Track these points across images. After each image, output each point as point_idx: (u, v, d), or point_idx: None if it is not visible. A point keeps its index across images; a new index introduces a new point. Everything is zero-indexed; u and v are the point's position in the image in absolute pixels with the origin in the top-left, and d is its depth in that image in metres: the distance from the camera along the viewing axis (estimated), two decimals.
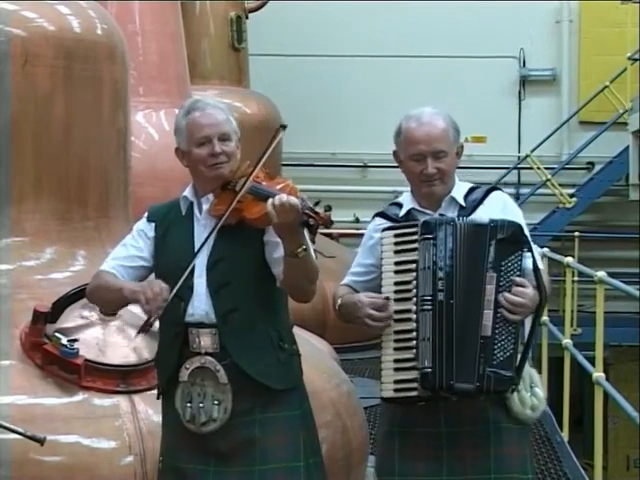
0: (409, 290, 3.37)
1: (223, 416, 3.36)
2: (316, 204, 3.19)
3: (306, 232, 3.24)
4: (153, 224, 3.54)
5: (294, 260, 3.22)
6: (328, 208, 3.17)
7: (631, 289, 6.03)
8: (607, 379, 6.49)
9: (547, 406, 8.52)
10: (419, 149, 3.45)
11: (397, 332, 3.38)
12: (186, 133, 3.47)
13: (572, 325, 9.59)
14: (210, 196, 3.44)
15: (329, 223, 3.17)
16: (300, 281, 3.32)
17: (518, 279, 3.29)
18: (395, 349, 3.39)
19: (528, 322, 3.44)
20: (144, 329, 3.33)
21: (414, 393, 3.35)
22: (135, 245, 3.54)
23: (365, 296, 3.43)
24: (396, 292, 3.40)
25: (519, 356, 3.35)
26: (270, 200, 3.16)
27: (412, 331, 3.35)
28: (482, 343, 3.27)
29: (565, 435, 7.75)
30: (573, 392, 8.20)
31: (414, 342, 3.34)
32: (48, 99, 4.89)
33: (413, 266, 3.36)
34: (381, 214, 3.61)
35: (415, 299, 3.35)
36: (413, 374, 3.33)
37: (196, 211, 3.49)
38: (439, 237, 3.32)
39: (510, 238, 3.31)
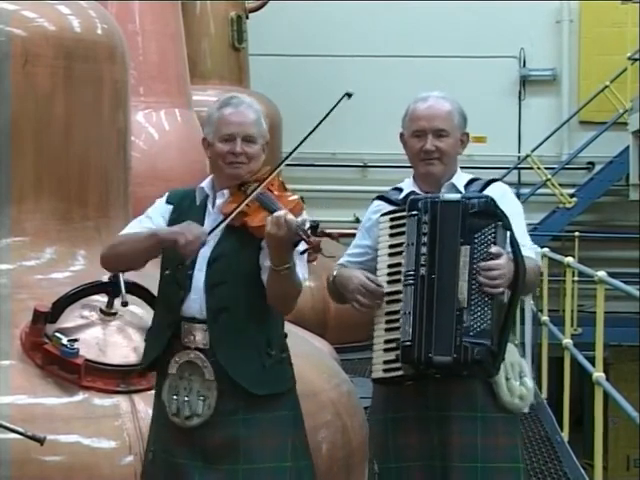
0: (399, 272, 3.43)
1: (206, 412, 3.38)
2: (315, 227, 3.21)
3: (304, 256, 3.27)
4: (171, 206, 3.56)
5: (276, 275, 3.25)
6: (322, 233, 3.20)
7: (631, 289, 6.02)
8: (607, 379, 6.48)
9: (547, 406, 8.56)
10: (420, 125, 3.55)
11: (388, 313, 3.44)
12: (214, 126, 3.49)
13: (572, 325, 9.58)
14: (226, 192, 3.48)
15: (318, 249, 3.19)
16: (279, 295, 3.34)
17: (494, 248, 3.32)
18: (386, 330, 3.44)
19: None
20: (177, 267, 3.37)
21: (400, 372, 3.39)
22: (151, 217, 3.55)
23: (362, 274, 3.48)
24: (389, 274, 3.46)
25: (499, 328, 3.36)
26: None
27: (400, 311, 3.40)
28: (458, 315, 3.31)
29: (565, 435, 7.75)
30: (573, 392, 8.20)
31: (401, 321, 3.38)
32: (48, 99, 4.89)
33: (404, 247, 3.42)
34: (381, 197, 3.67)
35: (403, 277, 3.40)
36: (397, 352, 3.38)
37: (209, 204, 3.52)
38: (423, 213, 3.38)
39: (482, 211, 3.36)
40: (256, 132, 3.48)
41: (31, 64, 4.81)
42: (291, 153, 3.42)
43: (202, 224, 3.47)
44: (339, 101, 3.37)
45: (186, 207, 3.54)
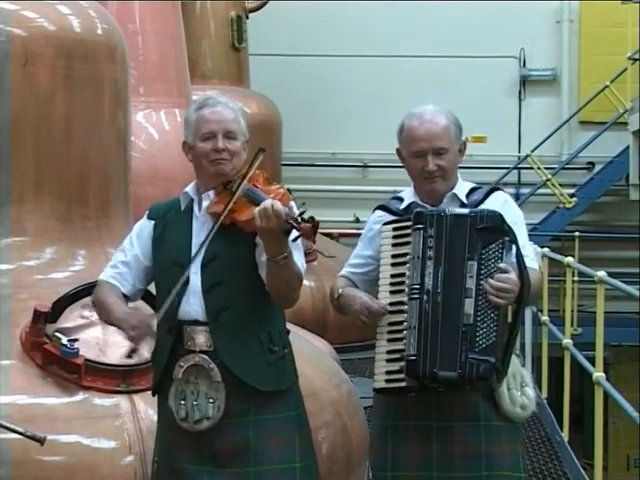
0: (403, 282, 3.42)
1: (216, 415, 3.38)
2: (301, 213, 3.23)
3: (300, 239, 3.28)
4: (153, 222, 3.58)
5: (274, 266, 3.26)
6: (311, 218, 3.21)
7: (631, 289, 6.02)
8: (607, 379, 6.49)
9: (547, 406, 8.56)
10: (420, 146, 3.50)
11: (391, 324, 3.44)
12: (194, 127, 3.50)
13: (572, 325, 9.59)
14: (211, 193, 3.47)
15: (310, 235, 3.21)
16: (280, 287, 3.35)
17: (502, 265, 3.31)
18: (388, 340, 3.43)
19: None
20: (129, 356, 3.43)
21: (403, 384, 3.39)
22: (131, 250, 3.59)
23: (365, 295, 3.47)
24: (392, 284, 3.45)
25: (503, 344, 3.37)
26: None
27: (404, 322, 3.40)
28: (464, 331, 3.31)
29: (565, 435, 7.75)
30: (573, 392, 8.20)
31: (405, 332, 3.38)
32: (48, 99, 4.89)
33: (407, 259, 3.42)
34: (382, 207, 3.66)
35: (407, 290, 3.40)
36: (401, 364, 3.38)
37: (195, 208, 3.52)
38: (429, 227, 3.37)
39: (490, 227, 3.35)
40: (236, 128, 3.49)
41: (31, 64, 4.81)
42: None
43: (190, 229, 3.49)
44: (255, 157, 3.39)
45: (171, 217, 3.55)
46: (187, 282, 3.42)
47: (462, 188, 3.59)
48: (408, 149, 3.54)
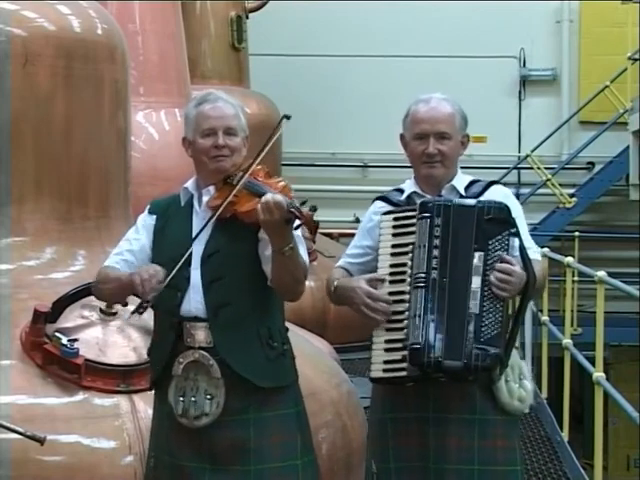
0: (404, 272, 3.42)
1: (215, 411, 3.38)
2: (302, 203, 3.25)
3: (300, 231, 3.30)
4: (154, 216, 3.58)
5: (281, 257, 3.27)
6: (313, 208, 3.24)
7: (631, 289, 6.02)
8: (607, 379, 6.48)
9: (547, 406, 8.56)
10: (422, 128, 3.54)
11: (390, 313, 3.42)
12: (194, 123, 3.51)
13: (572, 325, 9.59)
14: (211, 188, 3.48)
15: (312, 222, 3.24)
16: (287, 279, 3.35)
17: (506, 256, 3.33)
18: (387, 330, 3.43)
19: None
20: (138, 311, 3.36)
21: (403, 373, 3.39)
22: (137, 238, 3.58)
23: (364, 280, 3.45)
24: (391, 274, 3.45)
25: (507, 336, 3.38)
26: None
27: (404, 312, 3.39)
28: (469, 321, 3.32)
29: (565, 435, 7.75)
30: (573, 392, 8.20)
31: (406, 322, 3.37)
32: (48, 99, 4.90)
33: (409, 248, 3.42)
34: (382, 198, 3.67)
35: (409, 279, 3.40)
36: (403, 353, 3.37)
37: (195, 204, 3.53)
38: (435, 217, 3.38)
39: (497, 218, 3.37)
40: (237, 125, 3.50)
41: (31, 64, 4.81)
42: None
43: (190, 224, 3.49)
44: (279, 124, 3.39)
45: (172, 212, 3.55)
46: (188, 278, 3.42)
47: (461, 180, 3.61)
48: (411, 131, 3.57)
